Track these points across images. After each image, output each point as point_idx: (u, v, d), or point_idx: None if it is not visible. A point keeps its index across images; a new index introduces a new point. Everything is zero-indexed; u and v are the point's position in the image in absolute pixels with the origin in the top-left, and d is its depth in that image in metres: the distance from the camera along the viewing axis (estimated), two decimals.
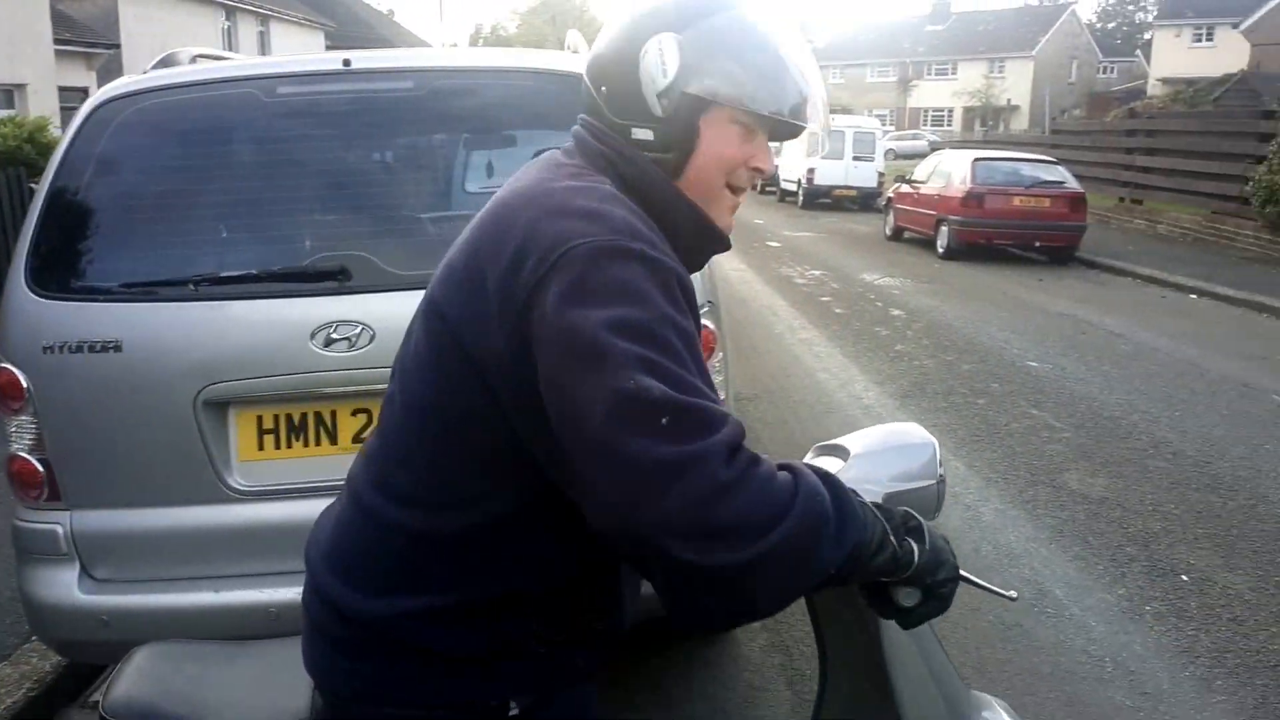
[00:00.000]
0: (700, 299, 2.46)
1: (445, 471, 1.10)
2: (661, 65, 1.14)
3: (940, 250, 13.83)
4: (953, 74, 57.15)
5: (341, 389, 2.26)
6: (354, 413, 2.29)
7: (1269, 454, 5.15)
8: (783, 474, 0.97)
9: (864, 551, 1.02)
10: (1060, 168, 14.08)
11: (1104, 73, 62.51)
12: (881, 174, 23.11)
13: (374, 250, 2.30)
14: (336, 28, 36.10)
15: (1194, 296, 10.74)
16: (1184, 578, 3.68)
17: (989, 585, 1.25)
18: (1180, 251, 13.86)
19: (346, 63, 2.45)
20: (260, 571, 2.27)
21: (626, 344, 0.93)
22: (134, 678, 1.32)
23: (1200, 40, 43.09)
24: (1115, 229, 16.86)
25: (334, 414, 2.29)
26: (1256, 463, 5.00)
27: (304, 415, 2.28)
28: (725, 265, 13.07)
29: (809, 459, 1.41)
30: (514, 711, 1.14)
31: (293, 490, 2.27)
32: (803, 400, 6.23)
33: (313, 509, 2.28)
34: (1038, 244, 13.37)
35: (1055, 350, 7.71)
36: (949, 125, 55.50)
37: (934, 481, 1.39)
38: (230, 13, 27.78)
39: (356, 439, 2.28)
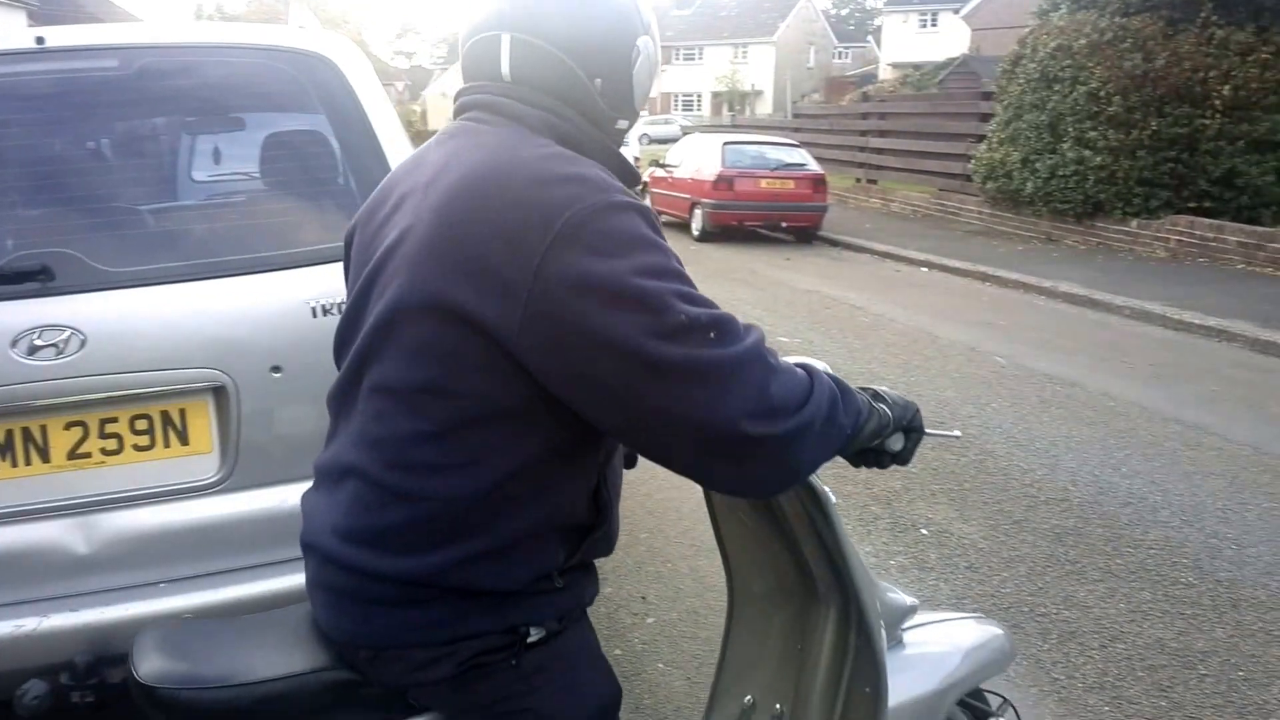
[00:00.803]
0: None
1: (471, 437, 1.15)
2: (649, 69, 1.32)
3: (695, 233, 14.24)
4: (700, 59, 58.97)
5: (51, 401, 2.03)
6: (67, 426, 2.07)
7: (994, 412, 5.63)
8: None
9: (862, 419, 1.31)
10: (802, 150, 14.81)
11: (840, 58, 66.28)
12: (637, 159, 23.55)
13: (83, 247, 2.08)
14: (39, 6, 32.76)
15: (925, 269, 11.62)
16: (924, 531, 3.97)
17: (936, 431, 1.60)
18: (912, 227, 14.95)
19: (40, 40, 2.20)
20: None
21: (658, 284, 1.06)
22: (158, 650, 1.30)
23: (926, 26, 46.41)
24: (853, 208, 17.98)
25: (44, 429, 2.06)
26: (984, 420, 5.46)
27: (9, 432, 2.04)
28: None
29: None
30: (533, 638, 1.24)
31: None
32: None
33: (25, 535, 2.09)
34: (784, 224, 14.02)
35: (803, 325, 8.13)
36: (699, 110, 57.28)
37: None
38: None
39: (73, 455, 2.06)
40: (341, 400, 1.28)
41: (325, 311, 2.23)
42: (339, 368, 1.30)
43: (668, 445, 1.13)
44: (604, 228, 1.07)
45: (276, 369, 2.20)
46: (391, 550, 1.19)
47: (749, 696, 1.87)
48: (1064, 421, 5.45)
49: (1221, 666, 2.97)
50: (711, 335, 1.08)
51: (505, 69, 1.25)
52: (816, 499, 1.56)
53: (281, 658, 1.30)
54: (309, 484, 1.36)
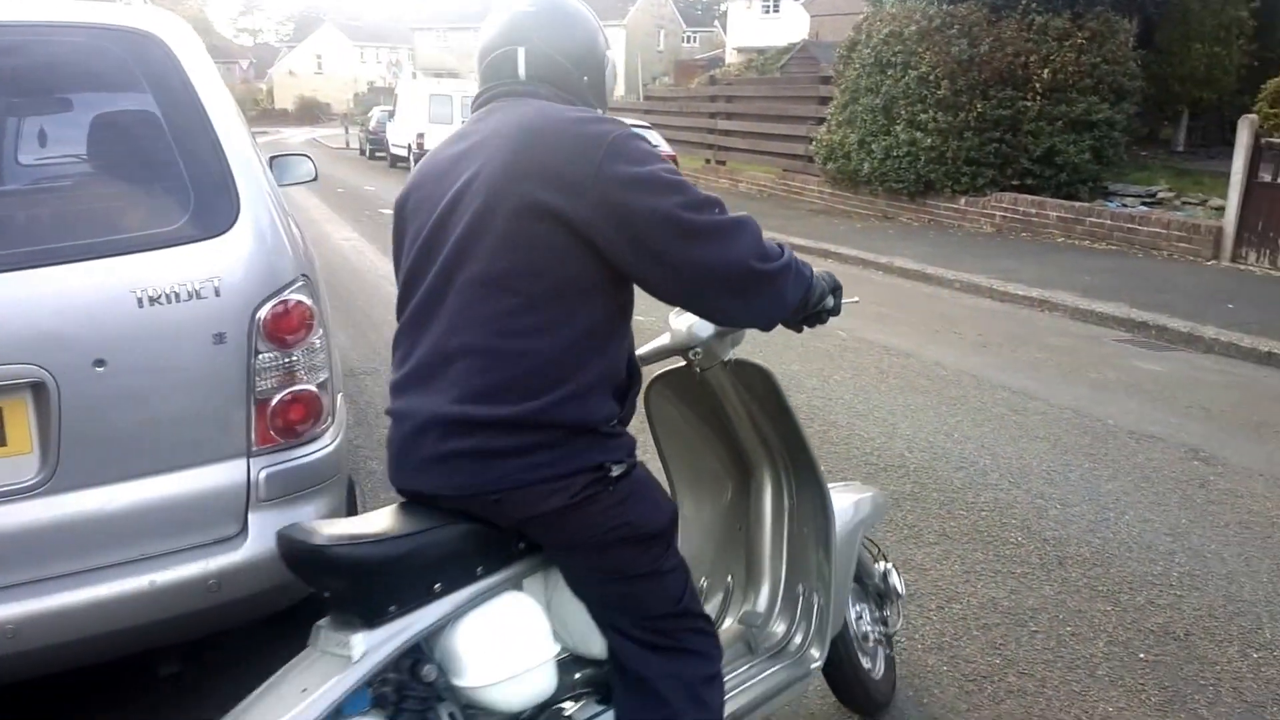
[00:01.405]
0: (292, 273, 2.37)
1: (552, 306, 1.58)
2: (613, 73, 1.91)
3: None
4: None
5: None
6: None
7: (837, 384, 5.88)
8: None
9: (814, 275, 1.81)
10: (654, 133, 14.98)
11: (689, 42, 67.00)
12: None
13: None
14: None
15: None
16: None
17: (848, 300, 2.00)
18: (759, 207, 15.31)
19: None
20: None
21: (678, 178, 1.61)
22: (318, 527, 1.60)
23: (769, 11, 47.33)
24: (703, 188, 18.17)
25: None
26: (827, 392, 5.69)
27: None
28: (335, 236, 12.59)
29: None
30: (616, 473, 1.65)
31: None
32: None
33: None
34: None
35: (651, 303, 8.22)
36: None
37: None
38: None
39: None
40: (421, 316, 1.68)
41: (152, 301, 2.16)
42: (408, 300, 1.72)
43: (701, 292, 1.65)
44: (634, 146, 1.59)
45: (100, 363, 2.11)
46: (509, 400, 1.57)
47: (702, 580, 2.33)
48: (900, 391, 5.74)
49: (1050, 623, 3.19)
50: (717, 209, 1.61)
51: (522, 72, 1.76)
52: (762, 373, 2.18)
53: (416, 521, 1.63)
54: (138, 482, 1.69)
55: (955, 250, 10.69)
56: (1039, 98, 11.89)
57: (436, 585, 1.61)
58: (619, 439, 1.68)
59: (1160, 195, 11.99)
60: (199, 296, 2.20)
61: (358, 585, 1.56)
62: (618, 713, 1.77)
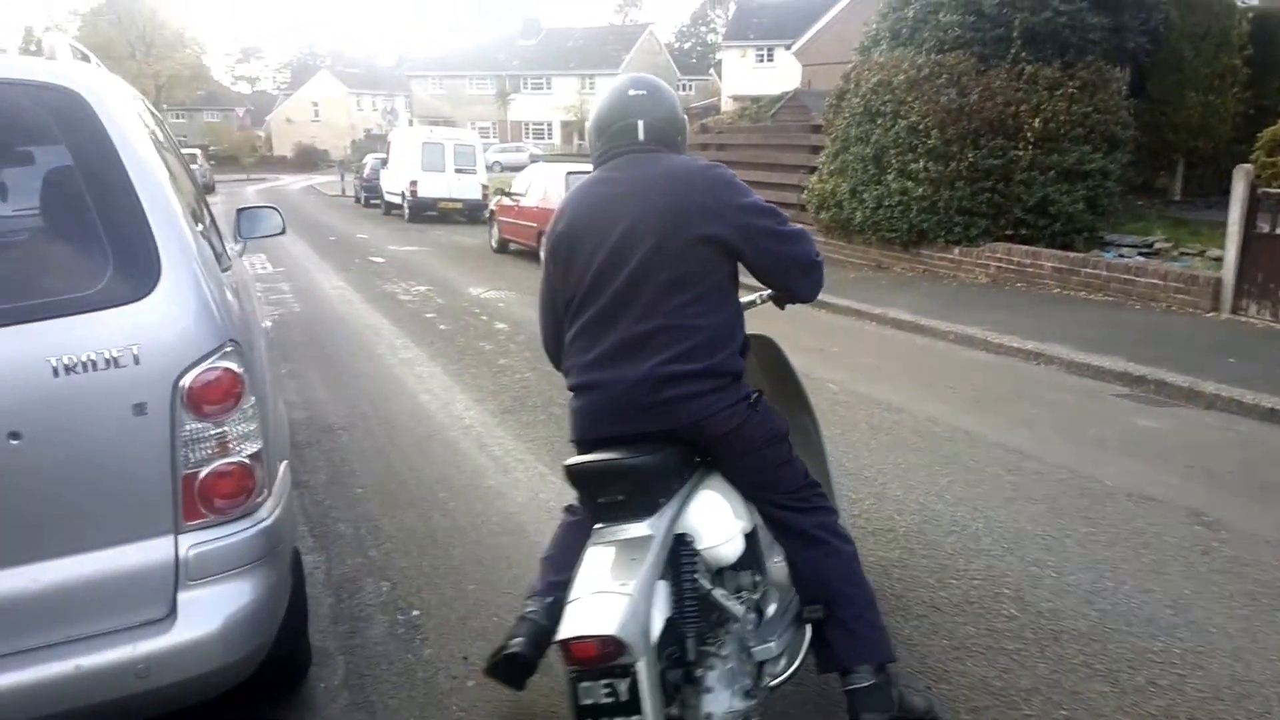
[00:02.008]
0: (218, 339, 2.20)
1: (710, 295, 2.44)
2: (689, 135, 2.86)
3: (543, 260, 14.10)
4: (548, 88, 59.29)
5: None
6: None
7: (826, 440, 5.63)
8: None
9: None
10: None
11: (683, 89, 67.67)
12: (485, 186, 23.36)
13: None
14: None
15: (760, 296, 11.81)
16: None
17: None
18: None
19: None
20: None
21: (770, 205, 2.54)
22: (598, 456, 2.43)
23: (763, 60, 48.00)
24: None
25: None
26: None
27: None
28: (324, 284, 12.48)
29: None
30: (754, 399, 2.49)
31: None
32: (403, 425, 6.00)
33: None
34: None
35: None
36: (550, 138, 57.55)
37: None
38: None
39: None
40: (610, 313, 2.45)
41: (68, 370, 2.00)
42: (588, 304, 2.50)
43: (787, 273, 2.60)
44: (737, 181, 2.53)
45: (14, 435, 1.96)
46: (699, 359, 2.39)
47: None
48: (891, 449, 5.56)
49: (1044, 705, 2.99)
50: (789, 223, 2.58)
51: (641, 136, 2.58)
52: (768, 341, 3.21)
53: (653, 446, 2.38)
54: (58, 561, 1.93)
55: (949, 301, 10.56)
56: (1031, 147, 11.82)
57: (675, 485, 2.40)
58: (744, 375, 2.54)
59: (1157, 245, 11.86)
60: (117, 365, 2.04)
61: (642, 486, 2.31)
62: (791, 556, 2.64)
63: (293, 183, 45.93)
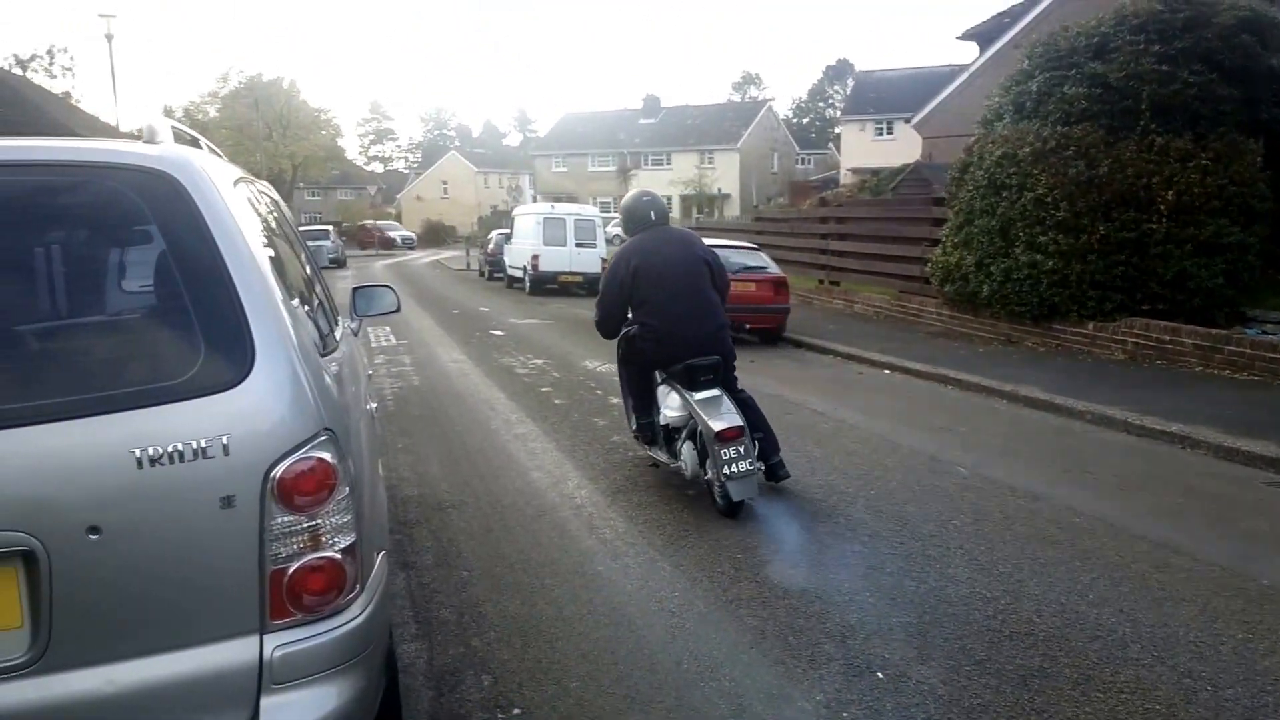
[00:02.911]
0: (312, 428, 2.12)
1: (715, 290, 6.14)
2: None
3: None
4: (667, 164, 60.21)
5: None
6: None
7: (956, 530, 5.36)
8: None
9: None
10: (762, 254, 14.81)
11: (802, 163, 68.07)
12: (604, 259, 23.62)
13: None
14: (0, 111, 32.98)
15: (887, 372, 11.48)
16: (879, 675, 3.63)
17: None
18: (875, 328, 14.90)
19: None
20: None
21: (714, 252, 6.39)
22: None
23: (882, 134, 47.83)
24: (818, 308, 17.97)
25: None
26: (945, 540, 5.18)
27: None
28: (443, 357, 12.68)
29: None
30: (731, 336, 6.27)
31: None
32: (512, 504, 5.91)
33: None
34: (748, 327, 13.92)
35: None
36: (670, 212, 58.20)
37: None
38: None
39: None
40: (677, 300, 5.95)
41: (153, 461, 1.93)
42: (658, 298, 5.98)
43: (725, 289, 6.21)
44: (700, 239, 6.45)
45: (94, 530, 1.90)
46: (723, 319, 6.09)
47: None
48: (1028, 540, 5.19)
49: None
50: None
51: (654, 217, 6.26)
52: None
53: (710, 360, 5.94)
54: (137, 662, 1.92)
55: (1085, 379, 10.02)
56: (1165, 220, 11.25)
57: (724, 374, 5.97)
58: None
59: None
60: (205, 456, 1.97)
61: (717, 373, 5.87)
62: (742, 408, 5.83)
63: (420, 258, 47.49)
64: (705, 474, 5.72)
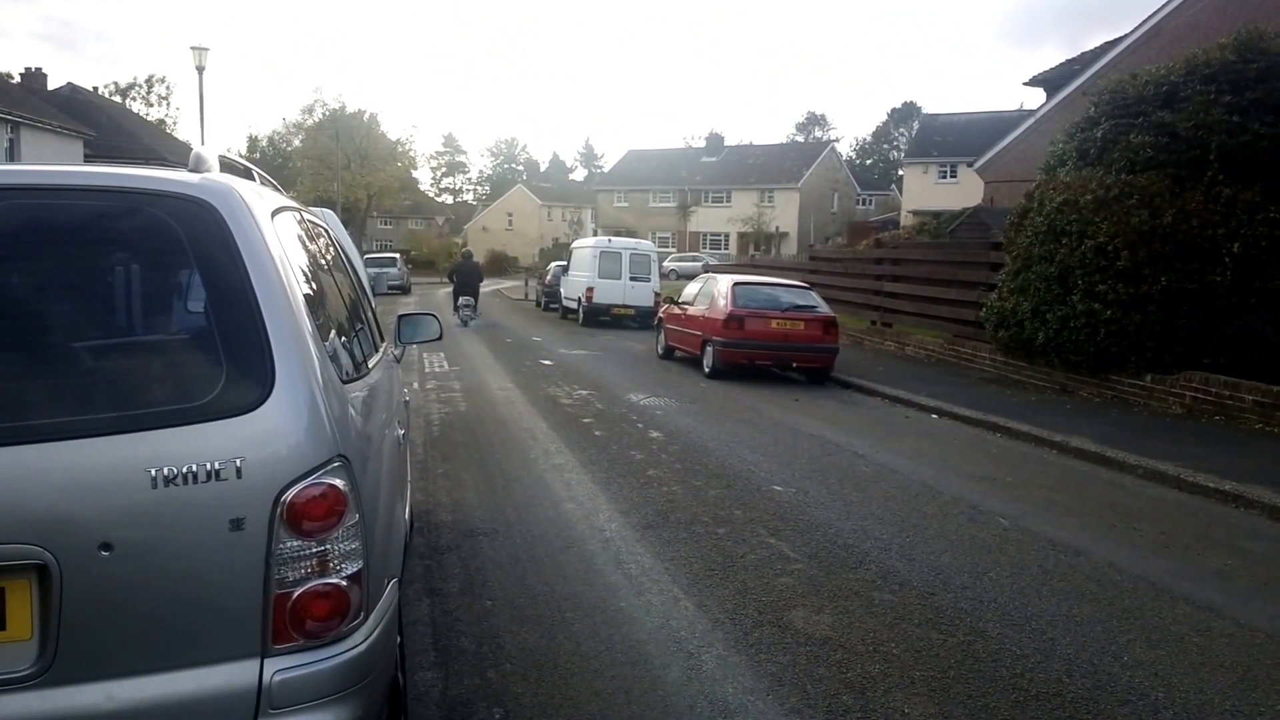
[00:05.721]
0: (326, 454, 2.16)
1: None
2: None
3: (706, 370, 14.14)
4: (727, 201, 60.51)
5: None
6: None
7: (991, 582, 5.26)
8: None
9: None
10: (812, 293, 14.76)
11: (863, 204, 67.85)
12: (658, 293, 23.77)
13: None
14: (97, 136, 34.30)
15: (935, 416, 11.32)
16: None
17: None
18: (925, 372, 14.72)
19: None
20: None
21: None
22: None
23: (945, 177, 47.56)
24: (868, 350, 17.82)
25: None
26: (979, 593, 5.08)
27: None
28: (492, 385, 12.79)
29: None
30: None
31: None
32: (542, 535, 5.93)
33: None
34: (795, 365, 13.86)
35: (801, 473, 7.81)
36: (726, 249, 58.38)
37: None
38: None
39: None
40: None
41: (167, 481, 1.98)
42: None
43: None
44: None
45: (106, 546, 1.95)
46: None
47: None
48: (1065, 597, 5.06)
49: None
50: None
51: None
52: None
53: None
54: (139, 680, 1.97)
55: (1139, 431, 9.79)
56: (1229, 272, 11.02)
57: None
58: None
59: None
60: (218, 478, 2.02)
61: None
62: None
63: (483, 287, 48.00)
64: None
